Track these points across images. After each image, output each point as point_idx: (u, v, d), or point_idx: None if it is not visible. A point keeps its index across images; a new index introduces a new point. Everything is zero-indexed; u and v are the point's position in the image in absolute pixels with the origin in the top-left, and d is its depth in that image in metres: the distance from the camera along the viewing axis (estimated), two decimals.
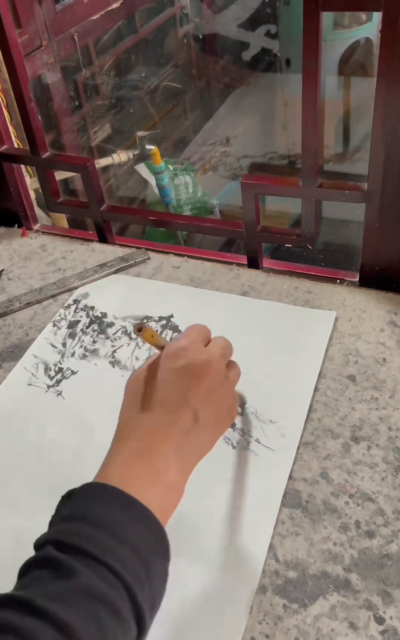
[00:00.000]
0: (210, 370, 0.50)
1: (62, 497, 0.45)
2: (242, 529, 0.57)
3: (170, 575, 0.52)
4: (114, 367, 0.74)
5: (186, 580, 0.53)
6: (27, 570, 0.39)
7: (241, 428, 0.65)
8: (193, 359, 0.50)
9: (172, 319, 0.79)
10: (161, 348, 0.52)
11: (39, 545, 0.41)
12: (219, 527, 0.57)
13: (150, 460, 0.45)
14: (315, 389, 0.69)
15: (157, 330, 0.77)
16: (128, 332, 0.78)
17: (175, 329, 0.78)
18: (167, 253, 0.92)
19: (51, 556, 0.38)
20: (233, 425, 0.65)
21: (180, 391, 0.48)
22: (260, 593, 0.53)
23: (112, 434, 0.62)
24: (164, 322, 0.79)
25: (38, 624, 0.34)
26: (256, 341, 0.75)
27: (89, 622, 0.35)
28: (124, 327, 0.79)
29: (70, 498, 0.44)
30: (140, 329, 0.49)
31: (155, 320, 0.79)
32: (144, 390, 0.50)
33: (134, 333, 0.50)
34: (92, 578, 0.37)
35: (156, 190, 1.86)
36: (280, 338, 0.75)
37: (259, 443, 0.64)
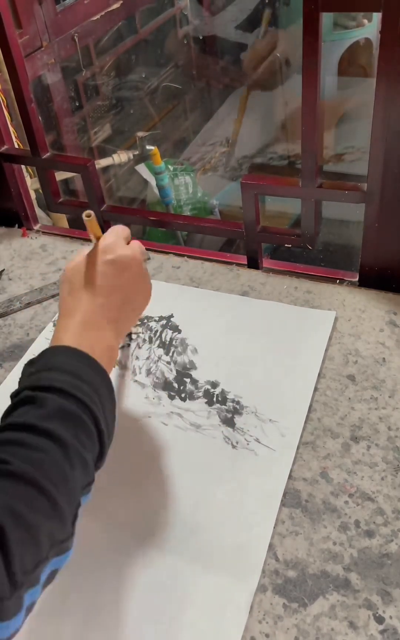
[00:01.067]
0: (135, 262, 0.61)
1: (25, 364, 0.53)
2: (242, 528, 0.57)
3: (170, 576, 0.53)
4: (114, 367, 0.74)
5: (186, 580, 0.54)
6: (11, 411, 0.47)
7: (241, 428, 0.65)
8: (121, 252, 0.60)
9: (172, 319, 0.79)
10: (97, 239, 0.62)
11: (15, 394, 0.49)
12: (219, 526, 0.57)
13: (94, 329, 0.55)
14: (315, 389, 0.69)
15: (157, 331, 0.77)
16: (128, 332, 0.78)
17: (175, 328, 0.78)
18: (167, 253, 0.92)
19: (29, 395, 0.47)
20: (233, 425, 0.66)
21: (112, 278, 0.59)
22: (260, 592, 0.53)
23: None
24: (164, 322, 0.79)
25: (39, 439, 0.44)
26: (256, 341, 0.75)
27: (71, 434, 0.45)
28: None
29: (33, 362, 0.52)
30: (89, 215, 0.60)
31: (155, 320, 0.79)
32: (83, 278, 0.59)
33: (83, 217, 0.59)
34: (65, 404, 0.47)
35: (156, 191, 1.86)
36: (280, 338, 0.75)
37: (259, 443, 0.64)
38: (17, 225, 1.01)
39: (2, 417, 0.48)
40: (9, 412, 0.48)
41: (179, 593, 0.53)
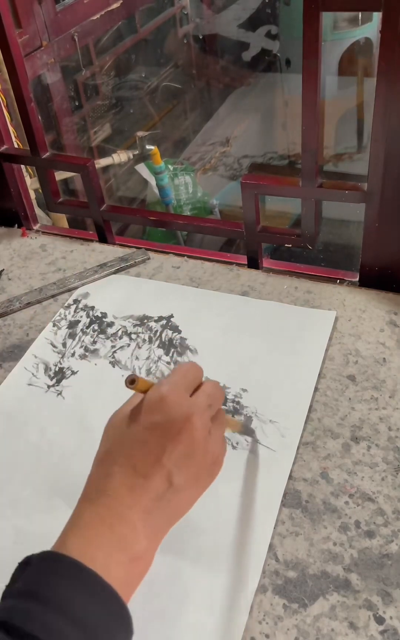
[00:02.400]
0: (190, 428, 0.44)
1: (19, 563, 0.41)
2: (242, 528, 0.57)
3: (170, 576, 0.53)
4: (114, 367, 0.74)
5: (186, 580, 0.53)
6: None
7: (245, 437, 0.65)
8: (172, 414, 0.44)
9: (172, 319, 0.79)
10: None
11: None
12: (219, 527, 0.57)
13: (115, 529, 0.41)
14: (315, 389, 0.69)
15: (157, 331, 0.77)
16: (128, 332, 0.78)
17: (175, 329, 0.78)
18: (167, 253, 0.92)
19: None
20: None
21: (154, 452, 0.44)
22: (260, 593, 0.53)
23: None
24: (164, 322, 0.79)
25: None
26: (256, 341, 0.75)
27: None
28: (124, 327, 0.79)
29: (26, 567, 0.40)
30: (132, 381, 0.45)
31: (155, 320, 0.79)
32: (119, 445, 0.45)
33: (126, 386, 0.46)
34: None
35: (156, 190, 1.86)
36: (280, 338, 0.75)
37: (259, 443, 0.64)
38: (16, 225, 1.01)
39: None
40: None
41: (179, 593, 0.53)
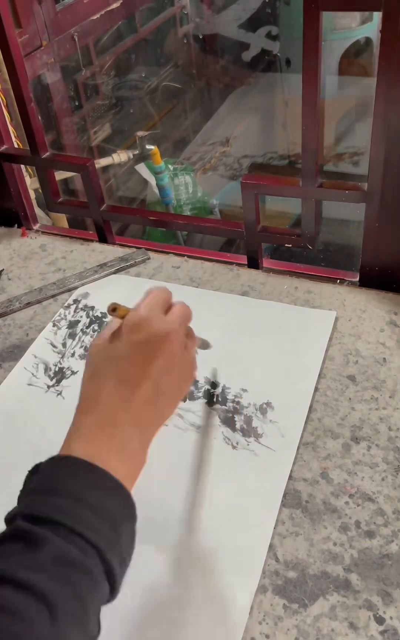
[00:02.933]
0: (170, 342, 0.51)
1: (29, 471, 0.46)
2: (242, 529, 0.57)
3: (170, 576, 0.52)
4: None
5: (186, 581, 0.53)
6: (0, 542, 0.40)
7: (241, 428, 0.65)
8: (153, 331, 0.50)
9: None
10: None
11: (9, 519, 0.42)
12: (219, 527, 0.57)
13: (113, 432, 0.46)
14: (316, 389, 0.68)
15: None
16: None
17: None
18: (167, 253, 0.92)
19: (21, 528, 0.40)
20: (233, 425, 0.65)
21: (141, 364, 0.49)
22: (261, 593, 0.53)
23: None
24: None
25: (20, 597, 0.36)
26: (256, 341, 0.75)
27: (65, 588, 0.37)
28: None
29: (36, 472, 0.45)
30: (114, 309, 0.52)
31: None
32: (106, 362, 0.50)
33: (109, 314, 0.52)
34: (63, 546, 0.39)
35: (156, 190, 1.86)
36: (280, 338, 0.75)
37: (259, 443, 0.63)
38: (16, 225, 1.01)
39: None
40: None
41: (179, 593, 0.53)
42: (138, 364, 0.49)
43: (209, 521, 0.58)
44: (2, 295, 0.87)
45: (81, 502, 0.41)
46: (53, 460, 0.45)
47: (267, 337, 0.75)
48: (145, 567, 0.55)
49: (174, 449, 0.64)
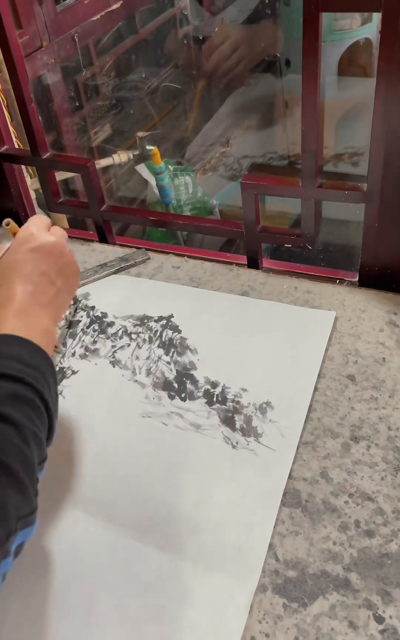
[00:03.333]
0: (58, 246, 0.63)
1: None
2: (242, 528, 0.57)
3: (170, 576, 0.53)
4: (114, 367, 0.74)
5: (186, 580, 0.54)
6: None
7: (240, 428, 0.65)
8: (43, 240, 0.62)
9: (172, 319, 0.79)
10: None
11: None
12: (219, 526, 0.57)
13: (30, 316, 0.57)
14: (315, 389, 0.69)
15: (157, 331, 0.77)
16: (128, 332, 0.78)
17: (175, 328, 0.78)
18: (167, 253, 0.92)
19: None
20: (233, 425, 0.66)
21: (39, 267, 0.60)
22: (260, 592, 0.53)
23: (113, 434, 0.63)
24: (164, 322, 0.79)
25: None
26: (256, 341, 0.75)
27: (24, 417, 0.48)
28: (124, 327, 0.79)
29: None
30: (8, 223, 0.65)
31: (155, 320, 0.79)
32: (10, 269, 0.60)
33: (3, 226, 0.64)
34: (15, 388, 0.49)
35: (156, 191, 1.86)
36: (280, 338, 0.75)
37: (259, 443, 0.64)
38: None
39: None
40: None
41: (179, 593, 0.53)
42: (37, 267, 0.60)
43: (209, 521, 0.58)
44: None
45: (21, 361, 0.51)
46: None
47: (267, 337, 0.75)
48: (145, 567, 0.55)
49: (174, 448, 0.64)
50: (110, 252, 0.93)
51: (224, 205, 1.95)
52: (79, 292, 0.85)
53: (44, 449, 0.51)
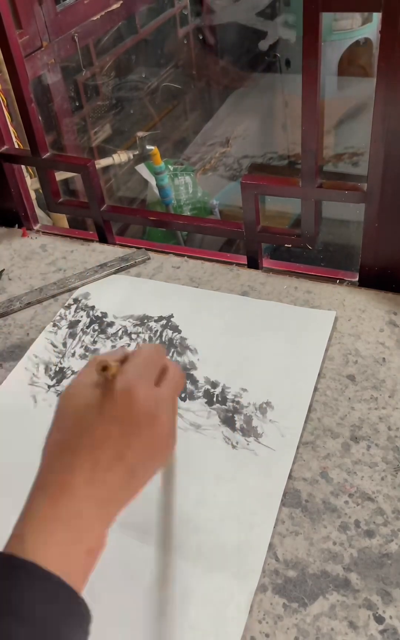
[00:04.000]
0: (156, 424, 0.43)
1: None
2: (242, 528, 0.57)
3: (170, 575, 0.52)
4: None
5: (186, 580, 0.54)
6: None
7: (240, 428, 0.65)
8: (139, 409, 0.43)
9: (172, 319, 0.79)
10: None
11: None
12: (219, 526, 0.57)
13: (73, 523, 0.40)
14: (315, 389, 0.69)
15: (157, 331, 0.77)
16: (128, 332, 0.78)
17: (175, 328, 0.78)
18: (167, 253, 0.92)
19: None
20: (233, 425, 0.66)
21: (118, 447, 0.42)
22: (260, 592, 0.53)
23: None
24: (164, 322, 0.79)
25: None
26: (256, 341, 0.75)
27: None
28: (124, 327, 0.79)
29: None
30: (105, 368, 0.44)
31: (155, 320, 0.79)
32: (79, 435, 0.43)
33: (98, 373, 0.44)
34: None
35: (156, 191, 1.86)
36: (280, 338, 0.75)
37: (259, 443, 0.64)
38: (17, 225, 1.01)
39: None
40: None
41: (179, 593, 0.53)
42: (115, 446, 0.42)
43: (209, 521, 0.58)
44: (3, 295, 0.87)
45: (19, 617, 0.35)
46: (1, 561, 0.38)
47: (267, 337, 0.75)
48: (145, 567, 0.55)
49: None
50: (110, 252, 0.93)
51: (224, 205, 1.96)
52: (79, 292, 0.85)
53: None
